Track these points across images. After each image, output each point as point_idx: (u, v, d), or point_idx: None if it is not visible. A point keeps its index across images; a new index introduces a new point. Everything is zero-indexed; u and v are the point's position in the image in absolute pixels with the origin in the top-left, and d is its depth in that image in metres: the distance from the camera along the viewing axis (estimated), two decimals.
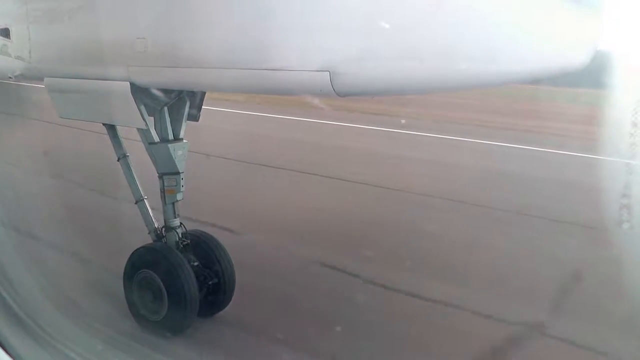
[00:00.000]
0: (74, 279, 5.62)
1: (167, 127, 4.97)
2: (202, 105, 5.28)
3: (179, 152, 4.93)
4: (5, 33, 5.18)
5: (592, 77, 4.36)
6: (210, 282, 4.98)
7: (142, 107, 4.62)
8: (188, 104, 5.08)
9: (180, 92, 4.94)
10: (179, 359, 4.75)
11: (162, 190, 5.01)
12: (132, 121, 4.68)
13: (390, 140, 13.50)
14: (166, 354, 4.71)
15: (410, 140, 13.56)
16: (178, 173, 4.94)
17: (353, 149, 12.82)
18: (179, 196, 5.02)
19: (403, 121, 13.84)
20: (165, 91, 4.80)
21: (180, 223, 5.09)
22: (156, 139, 4.86)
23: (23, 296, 3.81)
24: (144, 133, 4.82)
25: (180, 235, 5.06)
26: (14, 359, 3.04)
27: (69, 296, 4.93)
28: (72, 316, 4.45)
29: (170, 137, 5.00)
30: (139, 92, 4.52)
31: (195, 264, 4.96)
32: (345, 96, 3.58)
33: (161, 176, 5.00)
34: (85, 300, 5.08)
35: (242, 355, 4.77)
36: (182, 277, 4.66)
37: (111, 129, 5.16)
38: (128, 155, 5.20)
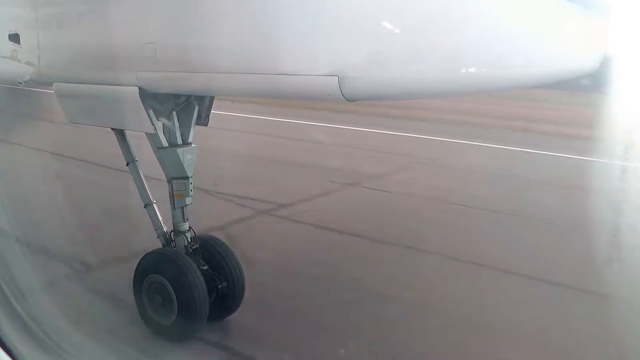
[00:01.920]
0: None
1: (175, 131, 4.98)
2: (211, 109, 5.28)
3: (187, 157, 4.94)
4: (16, 38, 5.20)
5: (600, 81, 4.34)
6: (219, 286, 4.97)
7: (151, 112, 4.64)
8: (197, 108, 5.09)
9: (189, 96, 4.95)
10: None
11: (171, 195, 5.02)
12: (141, 126, 4.69)
13: None
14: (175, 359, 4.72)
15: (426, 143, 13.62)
16: (187, 177, 4.95)
17: None
18: (188, 200, 5.02)
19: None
20: (174, 96, 4.83)
21: (189, 227, 5.09)
22: (165, 143, 4.88)
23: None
24: (153, 138, 4.84)
25: (189, 240, 5.06)
26: None
27: None
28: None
29: (179, 141, 5.01)
30: (148, 97, 4.54)
31: (205, 268, 4.96)
32: (354, 101, 3.58)
33: (170, 181, 5.01)
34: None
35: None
36: (191, 281, 4.66)
37: (120, 133, 5.19)
38: (137, 160, 5.22)
